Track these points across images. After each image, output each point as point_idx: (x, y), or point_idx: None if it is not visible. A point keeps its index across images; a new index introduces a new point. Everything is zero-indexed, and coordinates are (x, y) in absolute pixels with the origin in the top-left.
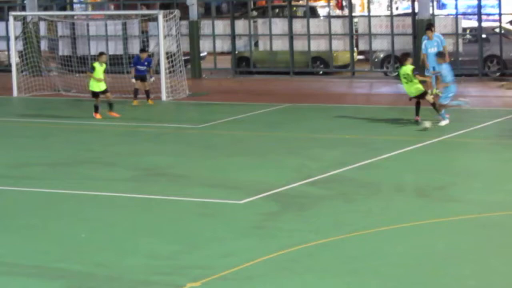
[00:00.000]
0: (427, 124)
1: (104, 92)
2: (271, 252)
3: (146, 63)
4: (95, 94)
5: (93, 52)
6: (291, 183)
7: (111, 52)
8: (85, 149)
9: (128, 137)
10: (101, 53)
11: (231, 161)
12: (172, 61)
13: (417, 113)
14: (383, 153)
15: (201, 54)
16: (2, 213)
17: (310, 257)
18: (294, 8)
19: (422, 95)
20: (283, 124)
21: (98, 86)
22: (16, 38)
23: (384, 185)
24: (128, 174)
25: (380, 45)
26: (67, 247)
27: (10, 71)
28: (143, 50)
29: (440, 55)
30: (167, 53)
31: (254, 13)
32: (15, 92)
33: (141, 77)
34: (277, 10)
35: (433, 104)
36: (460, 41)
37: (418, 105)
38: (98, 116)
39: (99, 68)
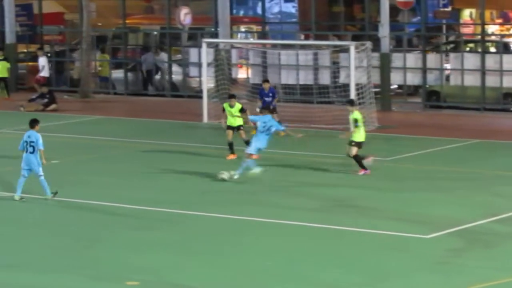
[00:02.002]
0: (225, 175)
1: (237, 128)
2: None
3: (270, 94)
4: (229, 128)
5: (284, 81)
6: (478, 220)
7: (301, 82)
8: (272, 178)
9: (316, 167)
10: (231, 96)
11: (418, 195)
12: (361, 93)
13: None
14: None
15: (392, 87)
16: (190, 238)
17: None
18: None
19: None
20: (471, 160)
21: (230, 120)
22: (208, 65)
23: None
24: (316, 204)
25: None
26: (250, 274)
27: (201, 97)
28: (265, 80)
29: None
30: (357, 84)
31: (446, 47)
32: (205, 118)
33: (270, 109)
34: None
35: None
36: None
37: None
38: (231, 156)
39: (229, 110)
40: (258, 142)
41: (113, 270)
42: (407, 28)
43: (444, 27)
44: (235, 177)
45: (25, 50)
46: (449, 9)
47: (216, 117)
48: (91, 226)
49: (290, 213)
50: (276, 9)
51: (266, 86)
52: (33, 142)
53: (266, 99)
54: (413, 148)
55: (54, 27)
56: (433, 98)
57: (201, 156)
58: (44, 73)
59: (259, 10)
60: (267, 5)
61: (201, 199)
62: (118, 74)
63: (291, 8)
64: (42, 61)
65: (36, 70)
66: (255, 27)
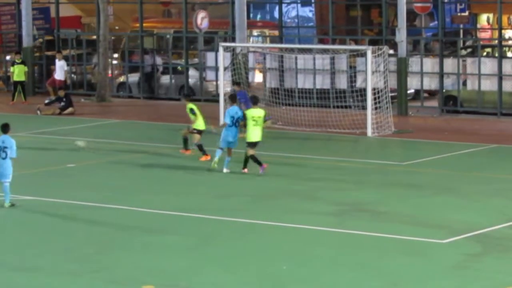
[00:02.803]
0: (81, 143)
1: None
2: None
3: (238, 97)
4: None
5: (300, 85)
6: (495, 225)
7: (318, 86)
8: (288, 182)
9: (332, 171)
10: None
11: (434, 200)
12: (378, 97)
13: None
14: None
15: (408, 91)
16: (205, 242)
17: None
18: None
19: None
20: (488, 165)
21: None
22: (225, 69)
23: None
24: (331, 208)
25: None
26: (265, 279)
27: (217, 101)
28: (236, 83)
29: None
30: (374, 89)
31: (464, 51)
32: (221, 122)
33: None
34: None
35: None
36: None
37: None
38: (203, 158)
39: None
40: (228, 136)
41: (128, 273)
42: (424, 32)
43: (461, 31)
44: (224, 171)
45: (42, 54)
46: (466, 14)
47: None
48: (105, 230)
49: (306, 217)
50: (293, 13)
51: (236, 88)
52: (6, 148)
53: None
54: (429, 153)
55: (72, 31)
56: (450, 103)
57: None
58: (61, 76)
59: (276, 14)
60: (284, 9)
61: (217, 204)
62: (134, 78)
63: (308, 12)
64: (62, 64)
65: (51, 73)
66: (267, 31)
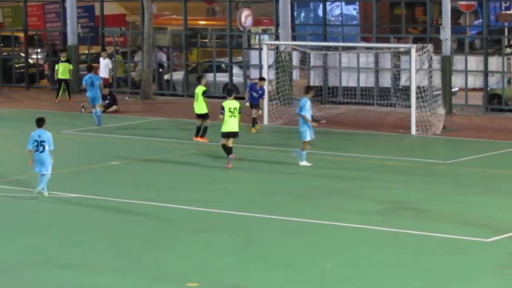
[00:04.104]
0: None
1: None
2: None
3: (260, 92)
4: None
5: (344, 83)
6: None
7: (361, 84)
8: (332, 181)
9: (376, 170)
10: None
11: (479, 198)
12: (423, 96)
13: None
14: None
15: (453, 90)
16: (250, 240)
17: None
18: None
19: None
20: None
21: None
22: (269, 67)
23: None
24: (375, 207)
25: None
26: (309, 277)
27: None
28: (262, 78)
29: None
30: (418, 87)
31: (509, 50)
32: (265, 120)
33: (253, 105)
34: None
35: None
36: None
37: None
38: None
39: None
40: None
41: (174, 271)
42: (469, 30)
43: (506, 30)
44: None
45: (86, 52)
46: (511, 12)
47: (277, 118)
48: (150, 228)
49: (350, 215)
50: (337, 12)
51: (261, 83)
52: (43, 141)
53: (254, 94)
54: (473, 151)
55: (116, 29)
56: (495, 101)
57: (259, 158)
58: (106, 75)
59: (320, 12)
60: (328, 7)
61: (261, 201)
62: (177, 76)
63: (352, 10)
64: (107, 63)
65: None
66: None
